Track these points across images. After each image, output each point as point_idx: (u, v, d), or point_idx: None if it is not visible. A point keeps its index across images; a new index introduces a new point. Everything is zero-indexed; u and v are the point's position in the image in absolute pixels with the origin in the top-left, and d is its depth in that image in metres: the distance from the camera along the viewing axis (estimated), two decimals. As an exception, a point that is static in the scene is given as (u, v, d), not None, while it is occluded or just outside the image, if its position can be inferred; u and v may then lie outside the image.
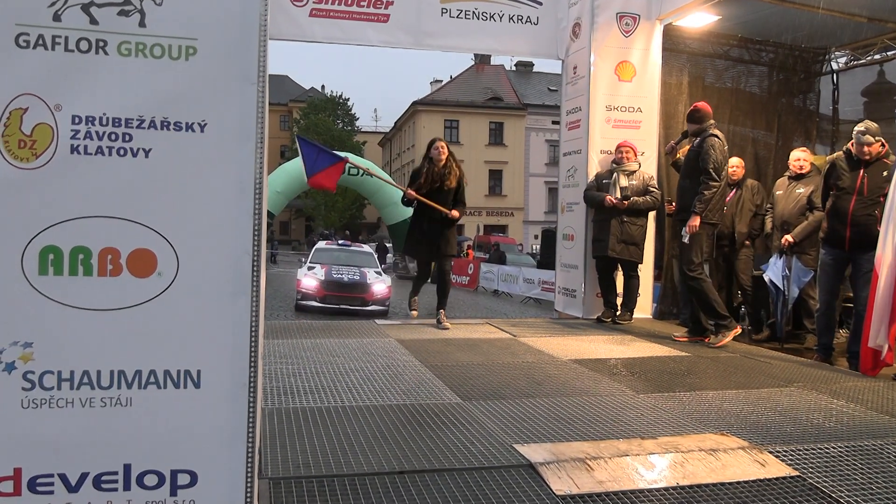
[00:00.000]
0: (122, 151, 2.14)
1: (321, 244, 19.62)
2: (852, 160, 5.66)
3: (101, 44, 2.12)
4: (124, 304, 2.15)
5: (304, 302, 15.41)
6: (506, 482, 2.92)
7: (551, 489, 2.87)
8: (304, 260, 17.94)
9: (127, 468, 2.18)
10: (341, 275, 15.79)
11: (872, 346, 5.00)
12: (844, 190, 5.63)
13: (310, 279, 15.67)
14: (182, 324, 2.19)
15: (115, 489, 2.17)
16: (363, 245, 20.78)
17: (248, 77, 2.22)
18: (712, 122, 6.12)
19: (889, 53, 8.61)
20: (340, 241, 20.49)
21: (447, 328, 6.64)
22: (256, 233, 2.21)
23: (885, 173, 5.46)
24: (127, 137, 2.14)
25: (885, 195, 5.43)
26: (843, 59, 9.18)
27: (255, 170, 2.20)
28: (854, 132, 5.67)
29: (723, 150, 5.97)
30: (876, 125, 5.68)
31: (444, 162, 6.73)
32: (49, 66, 2.08)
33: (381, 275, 16.66)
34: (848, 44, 8.80)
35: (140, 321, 2.16)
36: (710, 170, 5.85)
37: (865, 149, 5.53)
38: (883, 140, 5.62)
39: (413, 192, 6.63)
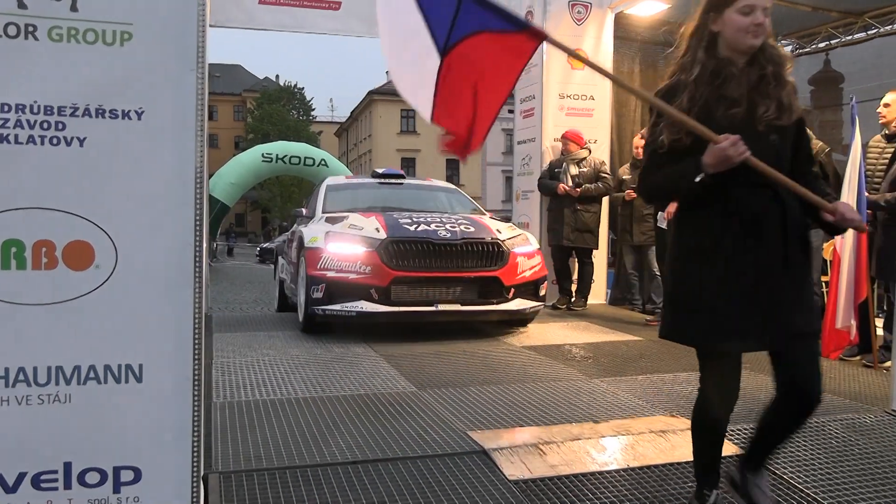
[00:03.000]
0: (55, 140, 2.07)
1: (335, 180, 7.67)
2: None
3: (31, 29, 2.04)
4: (61, 298, 2.09)
5: (331, 307, 5.42)
6: (459, 469, 2.93)
7: (504, 474, 2.88)
8: (303, 210, 7.27)
9: (67, 466, 2.13)
10: (428, 225, 5.72)
11: (841, 327, 5.11)
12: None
13: (348, 242, 5.54)
14: (122, 317, 2.13)
15: (56, 488, 2.12)
16: (423, 178, 8.76)
17: (187, 63, 2.16)
18: None
19: (833, 42, 8.82)
20: (382, 171, 7.54)
21: None
22: (198, 223, 2.16)
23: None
24: (60, 126, 2.07)
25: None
26: (788, 48, 9.37)
27: (196, 159, 2.15)
28: None
29: None
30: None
31: (756, 54, 2.39)
32: (-25, 52, 2.00)
33: (514, 227, 6.53)
34: (793, 32, 8.99)
35: (78, 315, 2.10)
36: None
37: None
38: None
39: (744, 149, 2.14)
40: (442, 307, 5.46)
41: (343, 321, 5.43)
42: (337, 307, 5.37)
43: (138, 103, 2.13)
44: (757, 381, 4.44)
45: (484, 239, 5.66)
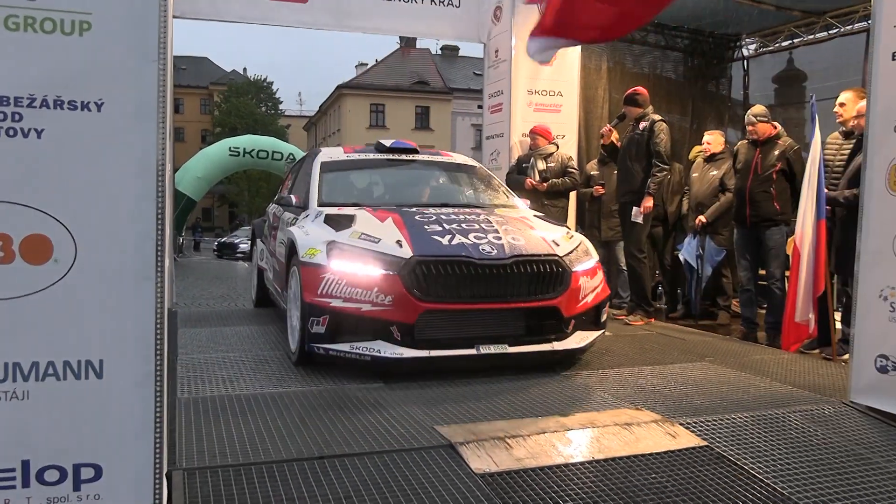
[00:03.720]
0: (11, 132, 2.02)
1: (331, 154, 5.94)
2: (751, 143, 6.06)
3: (-14, 17, 1.99)
4: (18, 292, 2.04)
5: (337, 346, 4.18)
6: (426, 462, 2.93)
7: (470, 468, 2.89)
8: (292, 198, 5.63)
9: (25, 464, 2.08)
10: (465, 235, 4.39)
11: (799, 321, 5.23)
12: (743, 170, 5.99)
13: (360, 262, 4.21)
14: (82, 312, 2.09)
15: (13, 486, 2.07)
16: (436, 152, 6.70)
17: (148, 54, 2.13)
18: (651, 107, 6.35)
19: (795, 41, 8.96)
20: (391, 143, 5.96)
21: None
22: (160, 216, 2.13)
23: (776, 152, 5.83)
24: (17, 117, 2.02)
25: (778, 172, 5.79)
26: (753, 46, 9.52)
27: (157, 151, 2.12)
28: (746, 116, 6.12)
29: (670, 134, 6.24)
30: (763, 108, 6.11)
31: None
32: (-73, 41, 1.95)
33: (571, 233, 5.11)
34: (757, 31, 9.12)
35: (36, 310, 2.06)
36: (662, 153, 6.08)
37: (749, 128, 5.96)
38: (774, 122, 6.00)
39: None
40: (485, 350, 4.20)
41: (352, 364, 4.19)
42: (345, 347, 4.15)
43: (98, 94, 2.09)
44: (718, 373, 4.52)
45: (539, 255, 4.35)
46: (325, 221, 4.67)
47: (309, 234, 4.59)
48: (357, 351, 4.13)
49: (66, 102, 2.07)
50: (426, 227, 4.46)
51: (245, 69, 60.15)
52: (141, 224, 2.11)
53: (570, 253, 4.54)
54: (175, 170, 14.59)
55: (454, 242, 4.28)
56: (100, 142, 2.09)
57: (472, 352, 4.20)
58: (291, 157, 20.69)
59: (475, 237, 4.36)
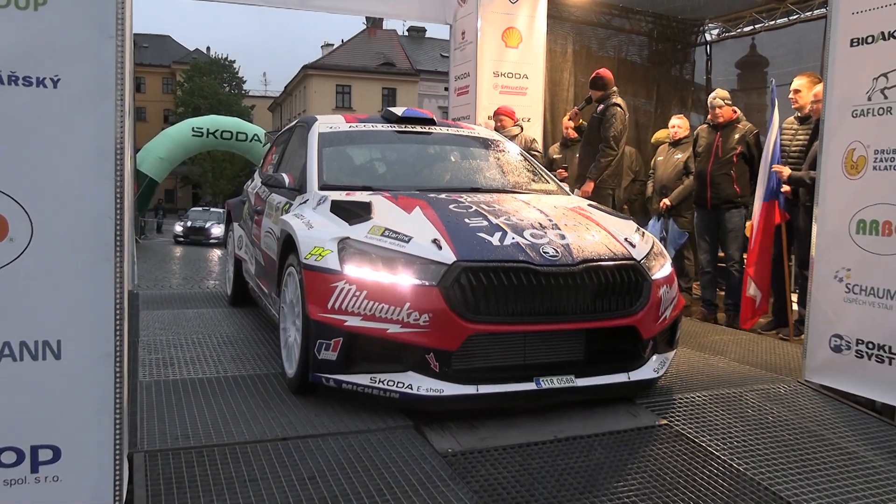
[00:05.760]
0: (-37, 108, 1.97)
1: (330, 123, 4.86)
2: (711, 126, 6.16)
3: (-65, -11, 1.93)
4: (-28, 272, 2.00)
5: (352, 379, 3.25)
6: (389, 443, 2.95)
7: (434, 447, 2.92)
8: (285, 177, 4.44)
9: (-19, 446, 2.05)
10: (519, 233, 3.46)
11: (748, 296, 5.39)
12: (704, 153, 6.08)
13: (385, 269, 3.26)
14: (39, 292, 2.06)
15: (-31, 469, 2.05)
16: (457, 122, 6.25)
17: (106, 30, 2.09)
18: (615, 89, 6.32)
19: (757, 27, 9.08)
20: (403, 112, 5.01)
21: None
22: (119, 195, 2.09)
23: (736, 136, 5.96)
24: (-31, 93, 1.97)
25: (738, 155, 5.90)
26: (715, 31, 9.62)
27: (116, 129, 2.08)
28: (708, 100, 6.20)
29: (624, 119, 6.16)
30: (726, 92, 6.21)
31: None
32: None
33: (640, 228, 4.00)
34: (720, 16, 9.22)
35: (-9, 290, 2.02)
36: (611, 138, 6.04)
37: (717, 111, 6.03)
38: (735, 107, 6.12)
39: None
40: (546, 383, 3.30)
41: (373, 400, 3.28)
42: (363, 380, 3.24)
43: (54, 70, 2.05)
44: (678, 354, 4.61)
45: (614, 260, 3.46)
46: (332, 210, 3.73)
47: (313, 226, 3.65)
48: (380, 385, 3.21)
49: (21, 78, 2.02)
50: (467, 220, 3.54)
51: (208, 48, 59.01)
52: (99, 203, 2.08)
53: (647, 256, 3.63)
54: (136, 150, 14.31)
55: (507, 242, 3.37)
56: (56, 119, 2.05)
57: (532, 386, 3.28)
58: (256, 137, 20.36)
59: (532, 235, 3.46)
